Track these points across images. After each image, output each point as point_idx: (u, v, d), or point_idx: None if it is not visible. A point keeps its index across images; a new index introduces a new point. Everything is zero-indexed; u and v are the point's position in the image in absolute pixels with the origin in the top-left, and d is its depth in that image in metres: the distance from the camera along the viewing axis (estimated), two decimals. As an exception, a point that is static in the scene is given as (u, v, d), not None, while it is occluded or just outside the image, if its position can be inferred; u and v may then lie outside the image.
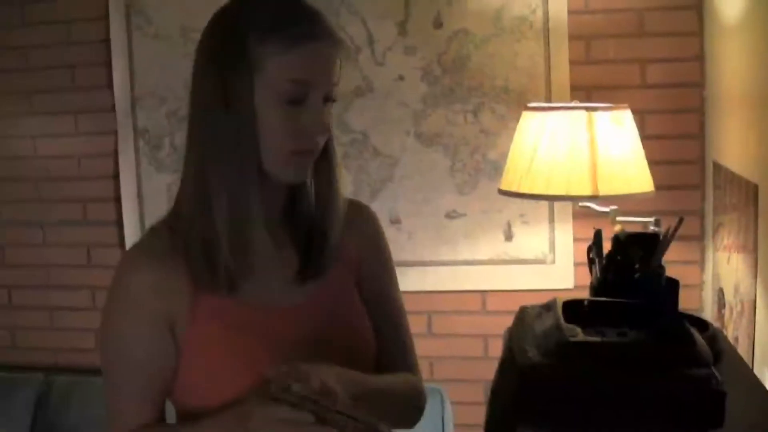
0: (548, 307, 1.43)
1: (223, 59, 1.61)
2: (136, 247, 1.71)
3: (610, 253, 1.84)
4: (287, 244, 1.73)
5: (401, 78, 3.48)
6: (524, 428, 1.23)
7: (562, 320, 1.32)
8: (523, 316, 1.45)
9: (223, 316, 1.65)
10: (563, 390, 1.24)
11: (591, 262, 1.95)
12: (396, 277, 1.92)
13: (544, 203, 3.37)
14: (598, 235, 1.95)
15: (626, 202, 2.82)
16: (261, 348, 1.64)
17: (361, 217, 1.86)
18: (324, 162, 1.71)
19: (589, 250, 1.96)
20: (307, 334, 1.69)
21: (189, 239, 1.62)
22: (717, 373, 1.25)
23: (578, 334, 1.28)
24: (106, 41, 3.73)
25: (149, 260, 1.65)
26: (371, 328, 1.80)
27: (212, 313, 1.64)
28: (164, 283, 1.63)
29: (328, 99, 1.63)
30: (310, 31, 1.59)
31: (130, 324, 1.65)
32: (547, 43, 3.38)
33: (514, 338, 1.38)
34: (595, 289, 1.89)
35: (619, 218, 2.75)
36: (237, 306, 1.65)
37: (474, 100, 3.44)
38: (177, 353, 1.65)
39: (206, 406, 1.60)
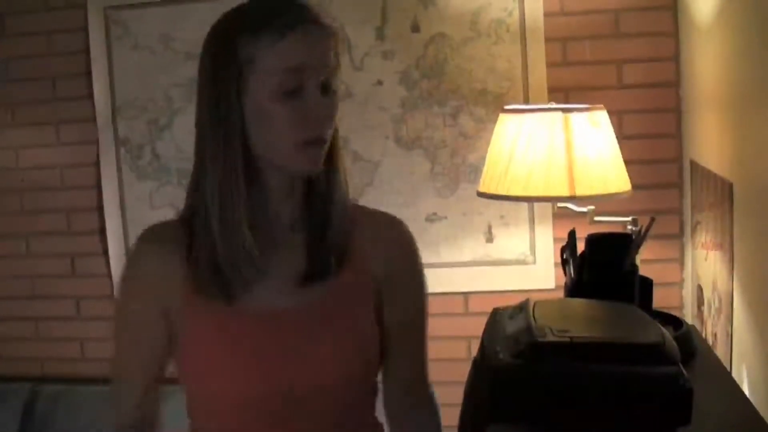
0: (520, 308, 1.44)
1: (214, 68, 1.66)
2: (150, 228, 1.79)
3: (583, 253, 1.87)
4: (298, 245, 1.74)
5: (380, 83, 3.50)
6: (495, 428, 1.25)
7: (532, 321, 1.34)
8: (495, 317, 1.47)
9: (216, 313, 1.69)
10: (533, 390, 1.26)
11: (565, 262, 1.97)
12: (426, 305, 1.87)
13: (524, 205, 3.39)
14: (571, 235, 1.97)
15: (604, 203, 2.84)
16: (249, 348, 1.68)
17: (392, 232, 1.83)
18: (326, 160, 1.70)
19: (563, 250, 1.99)
20: (291, 338, 1.70)
21: (193, 240, 1.69)
22: (684, 371, 1.27)
23: (547, 334, 1.29)
24: (86, 52, 3.74)
25: (152, 245, 1.75)
26: (375, 344, 1.76)
27: (206, 309, 1.69)
28: (160, 270, 1.71)
29: (328, 87, 1.64)
30: (298, 17, 1.61)
31: (128, 297, 1.78)
32: (524, 46, 3.40)
33: (486, 339, 1.40)
34: (570, 289, 1.91)
35: (597, 218, 2.78)
36: (229, 305, 1.69)
37: (453, 104, 3.46)
38: (172, 338, 1.74)
39: (208, 389, 1.70)
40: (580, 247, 1.95)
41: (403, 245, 1.84)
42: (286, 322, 1.71)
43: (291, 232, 1.74)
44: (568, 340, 1.28)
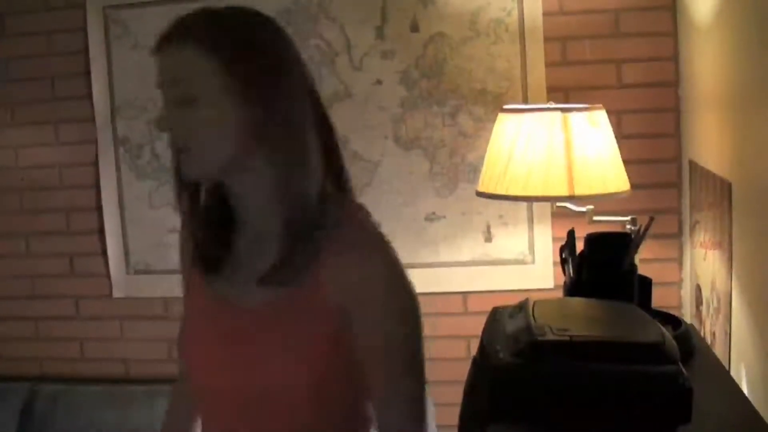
0: (519, 307, 1.45)
1: None
2: None
3: (582, 252, 1.87)
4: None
5: (379, 82, 3.50)
6: (495, 427, 1.25)
7: (532, 320, 1.34)
8: (495, 316, 1.47)
9: (200, 292, 1.83)
10: (533, 389, 1.26)
11: (564, 261, 1.98)
12: (394, 336, 1.75)
13: (523, 204, 3.40)
14: (571, 235, 1.98)
15: (603, 202, 2.85)
16: (208, 334, 1.79)
17: (348, 258, 1.72)
18: (243, 171, 1.72)
19: (562, 249, 1.99)
20: (241, 336, 1.74)
21: None
22: (684, 370, 1.27)
23: (547, 333, 1.29)
24: (86, 51, 3.75)
25: (185, 218, 1.93)
26: (322, 356, 1.72)
27: (195, 286, 1.84)
28: (185, 243, 1.97)
29: (186, 100, 1.66)
30: (160, 36, 1.74)
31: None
32: (523, 45, 3.40)
33: (485, 339, 1.40)
34: (569, 288, 1.91)
35: (595, 218, 2.78)
36: (209, 289, 1.80)
37: (452, 103, 3.46)
38: None
39: (185, 368, 1.88)
40: (579, 246, 1.95)
41: (364, 275, 1.72)
42: (240, 319, 1.75)
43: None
44: (568, 338, 1.29)
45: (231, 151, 1.68)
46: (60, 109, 3.82)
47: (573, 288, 1.88)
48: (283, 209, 1.71)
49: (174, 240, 3.69)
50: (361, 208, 1.86)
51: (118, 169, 3.75)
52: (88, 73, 3.75)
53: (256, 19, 1.74)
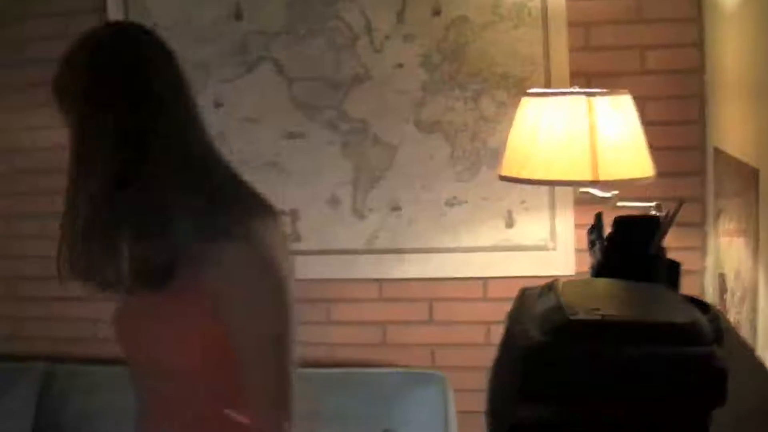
0: (549, 287, 1.42)
1: None
2: None
3: (611, 235, 1.84)
4: None
5: (400, 66, 3.48)
6: (526, 408, 1.23)
7: (562, 300, 1.32)
8: (523, 297, 1.45)
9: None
10: (565, 369, 1.23)
11: (592, 244, 1.95)
12: (255, 321, 1.89)
13: (545, 190, 3.36)
14: (598, 217, 1.95)
15: (627, 188, 2.81)
16: (120, 311, 2.02)
17: (214, 254, 1.84)
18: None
19: (590, 231, 1.96)
20: (126, 331, 2.00)
21: None
22: (718, 352, 1.24)
23: (578, 312, 1.27)
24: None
25: None
26: (194, 351, 1.90)
27: None
28: None
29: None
30: None
31: None
32: (546, 30, 3.37)
33: (514, 319, 1.38)
34: (596, 271, 1.88)
35: (619, 203, 2.74)
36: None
37: (473, 87, 3.43)
38: None
39: None
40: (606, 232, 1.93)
41: (229, 270, 1.85)
42: (124, 318, 2.00)
43: None
44: (599, 318, 1.26)
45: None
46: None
47: (600, 271, 1.85)
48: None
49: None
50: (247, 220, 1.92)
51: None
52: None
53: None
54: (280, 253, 1.91)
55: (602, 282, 1.65)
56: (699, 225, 3.30)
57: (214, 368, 1.89)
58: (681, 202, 1.87)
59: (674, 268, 1.88)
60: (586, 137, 2.66)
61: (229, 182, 1.94)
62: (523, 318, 1.35)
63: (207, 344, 1.87)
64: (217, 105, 3.58)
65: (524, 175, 2.75)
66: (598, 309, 1.28)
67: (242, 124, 3.60)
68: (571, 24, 3.36)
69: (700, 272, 3.29)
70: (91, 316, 3.87)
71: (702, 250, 3.30)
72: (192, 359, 1.89)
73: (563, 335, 1.24)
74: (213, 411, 1.92)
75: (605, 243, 1.86)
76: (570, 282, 1.43)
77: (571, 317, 1.26)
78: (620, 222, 1.88)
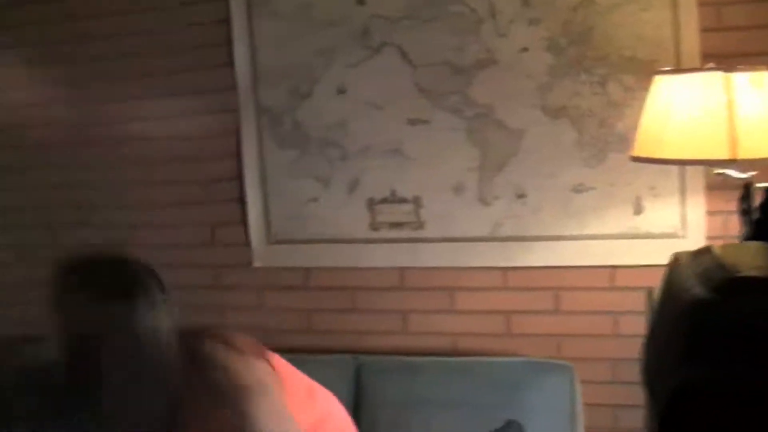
0: (702, 251, 1.35)
1: None
2: None
3: (763, 203, 1.76)
4: None
5: (525, 50, 3.42)
6: (692, 366, 1.16)
7: (723, 259, 1.25)
8: (677, 260, 1.38)
9: None
10: (734, 328, 1.17)
11: (743, 212, 1.87)
12: None
13: (675, 175, 3.26)
14: (747, 187, 1.88)
15: (762, 171, 2.69)
16: None
17: None
18: None
19: (741, 201, 1.89)
20: None
21: None
22: None
23: (743, 271, 1.20)
24: (227, 21, 3.75)
25: None
26: None
27: None
28: None
29: None
30: None
31: None
32: (676, 11, 3.27)
33: (671, 280, 1.31)
34: (748, 238, 1.81)
35: (758, 185, 2.64)
36: None
37: (600, 71, 3.35)
38: None
39: None
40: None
41: None
42: None
43: None
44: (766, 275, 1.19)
45: None
46: (201, 78, 3.84)
47: (752, 238, 1.78)
48: None
49: (313, 210, 3.68)
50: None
51: (259, 138, 3.74)
52: (229, 42, 3.75)
53: None
54: None
55: (757, 245, 1.57)
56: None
57: None
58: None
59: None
60: (724, 114, 2.56)
61: None
62: (681, 278, 1.28)
63: None
64: (340, 91, 3.57)
65: (657, 155, 2.66)
66: (763, 267, 1.22)
67: (366, 110, 3.58)
68: (702, 3, 3.24)
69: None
70: (215, 302, 3.90)
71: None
72: None
73: (731, 292, 1.17)
74: None
75: (759, 212, 1.79)
76: (726, 245, 1.36)
77: (737, 274, 1.19)
78: (772, 191, 1.80)
